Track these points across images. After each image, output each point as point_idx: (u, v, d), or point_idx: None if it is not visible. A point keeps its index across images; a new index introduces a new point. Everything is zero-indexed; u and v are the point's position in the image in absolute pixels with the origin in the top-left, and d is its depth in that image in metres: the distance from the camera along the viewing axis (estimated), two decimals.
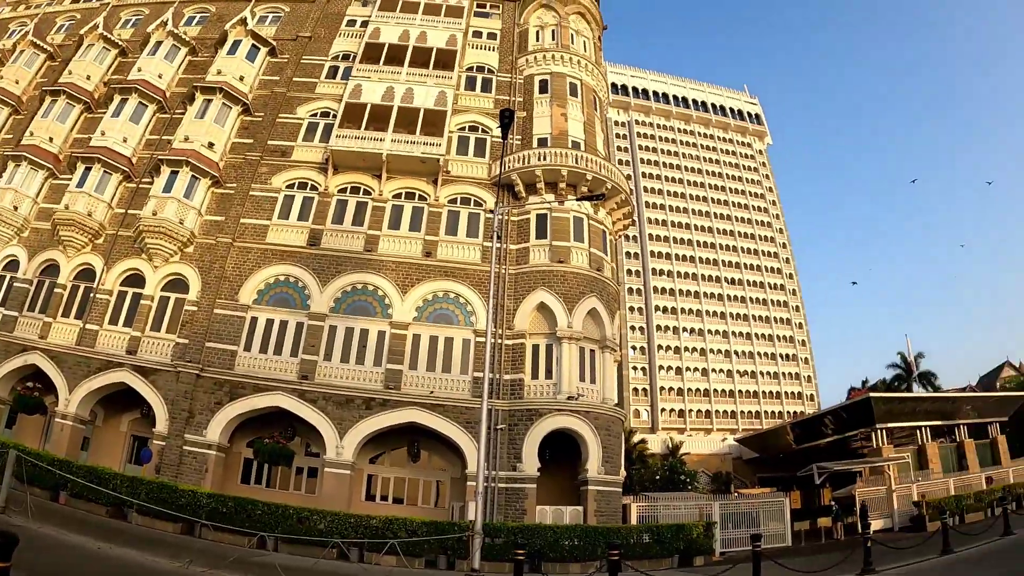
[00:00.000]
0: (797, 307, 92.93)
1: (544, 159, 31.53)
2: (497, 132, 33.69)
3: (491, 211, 31.04)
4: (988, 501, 30.76)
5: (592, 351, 30.16)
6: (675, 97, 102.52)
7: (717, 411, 78.91)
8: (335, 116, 33.37)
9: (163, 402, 27.19)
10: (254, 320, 29.17)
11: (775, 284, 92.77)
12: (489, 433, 26.98)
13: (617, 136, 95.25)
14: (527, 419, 27.72)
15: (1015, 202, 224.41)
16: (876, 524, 35.80)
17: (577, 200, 28.94)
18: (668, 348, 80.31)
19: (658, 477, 40.39)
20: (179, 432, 26.52)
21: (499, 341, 28.99)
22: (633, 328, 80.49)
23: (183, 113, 33.41)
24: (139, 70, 34.68)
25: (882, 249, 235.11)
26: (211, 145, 32.32)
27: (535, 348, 29.48)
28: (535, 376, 28.93)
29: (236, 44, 35.71)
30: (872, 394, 47.68)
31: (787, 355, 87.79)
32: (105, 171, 31.59)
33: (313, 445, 27.90)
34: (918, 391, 59.76)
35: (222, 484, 26.47)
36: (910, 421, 45.80)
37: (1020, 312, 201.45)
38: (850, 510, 36.48)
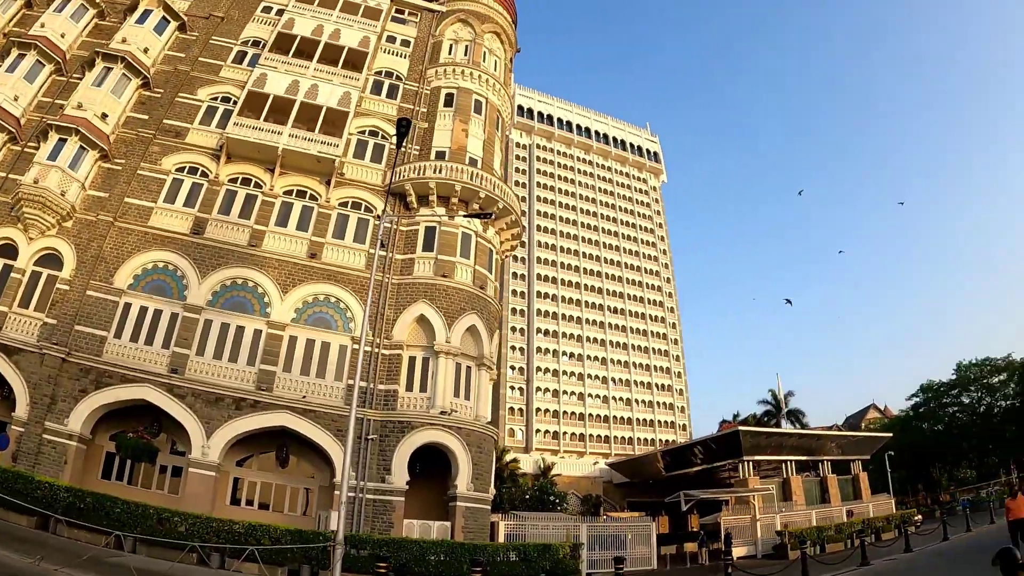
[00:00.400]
0: (676, 340, 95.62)
1: (440, 172, 31.52)
2: None
3: (379, 218, 30.97)
4: (848, 533, 32.45)
5: (469, 368, 30.20)
6: (579, 126, 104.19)
7: (591, 435, 79.99)
8: (236, 103, 32.34)
9: (25, 385, 25.08)
10: (127, 306, 27.55)
11: (656, 316, 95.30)
12: (359, 443, 26.72)
13: (517, 158, 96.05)
14: (399, 431, 27.46)
15: (893, 255, 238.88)
16: (740, 551, 37.13)
17: (466, 216, 28.86)
18: (547, 370, 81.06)
19: (527, 496, 40.55)
20: (40, 419, 24.61)
21: (376, 351, 28.70)
22: (514, 348, 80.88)
23: (80, 78, 31.30)
24: (42, 26, 32.22)
25: (764, 291, 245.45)
26: (104, 116, 30.38)
27: (412, 360, 29.31)
28: (410, 388, 28.74)
29: (146, 14, 33.98)
30: (741, 427, 49.47)
31: (663, 385, 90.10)
32: None
33: (179, 443, 26.52)
34: (787, 427, 62.44)
35: (82, 478, 24.75)
36: (776, 455, 47.76)
37: (888, 361, 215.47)
38: (715, 537, 37.75)
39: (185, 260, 28.58)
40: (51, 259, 28.07)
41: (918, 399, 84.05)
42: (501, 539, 28.23)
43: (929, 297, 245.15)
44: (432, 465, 28.31)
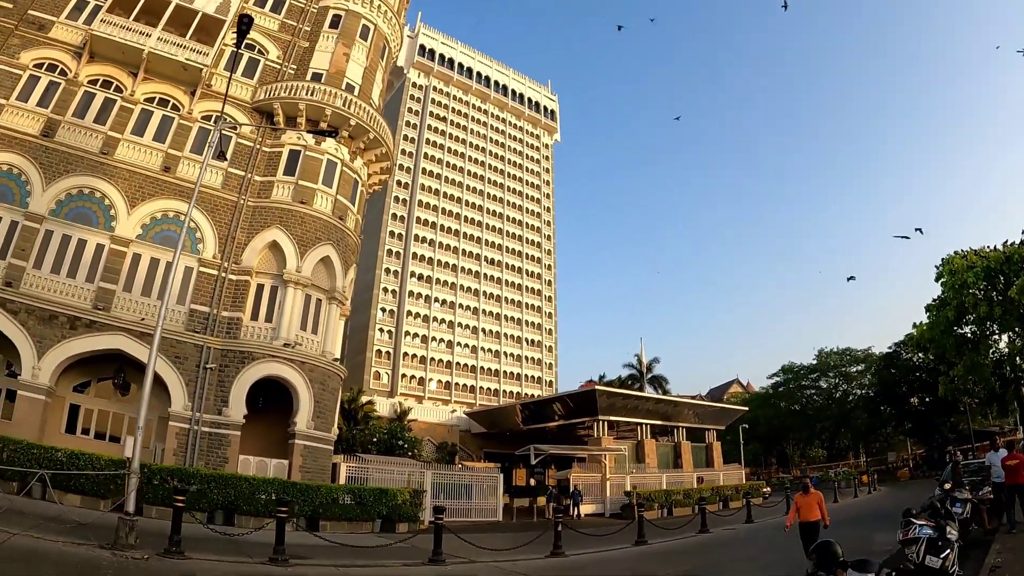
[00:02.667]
0: (550, 297, 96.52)
1: (311, 94, 30.00)
2: (274, 56, 31.83)
3: (245, 137, 29.37)
4: (696, 499, 33.13)
5: (319, 300, 29.20)
6: (479, 74, 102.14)
7: (457, 383, 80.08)
8: None
9: None
10: None
11: (532, 272, 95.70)
12: (197, 372, 25.38)
13: (412, 98, 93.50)
14: (239, 361, 26.27)
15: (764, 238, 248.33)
16: (588, 508, 37.87)
17: (311, 132, 27.64)
18: (418, 315, 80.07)
19: (375, 440, 39.78)
20: None
21: (224, 275, 27.22)
22: (386, 290, 79.46)
23: None
24: None
25: (640, 259, 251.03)
26: None
27: (260, 288, 28.06)
28: (255, 317, 27.54)
29: None
30: (597, 387, 50.18)
31: (532, 340, 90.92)
32: None
33: (16, 366, 24.02)
34: (649, 392, 63.92)
35: None
36: (633, 417, 48.80)
37: (755, 342, 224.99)
38: (567, 492, 38.28)
39: (31, 164, 25.75)
40: None
41: (779, 379, 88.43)
42: (342, 481, 27.56)
43: (808, 284, 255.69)
44: (277, 401, 27.31)
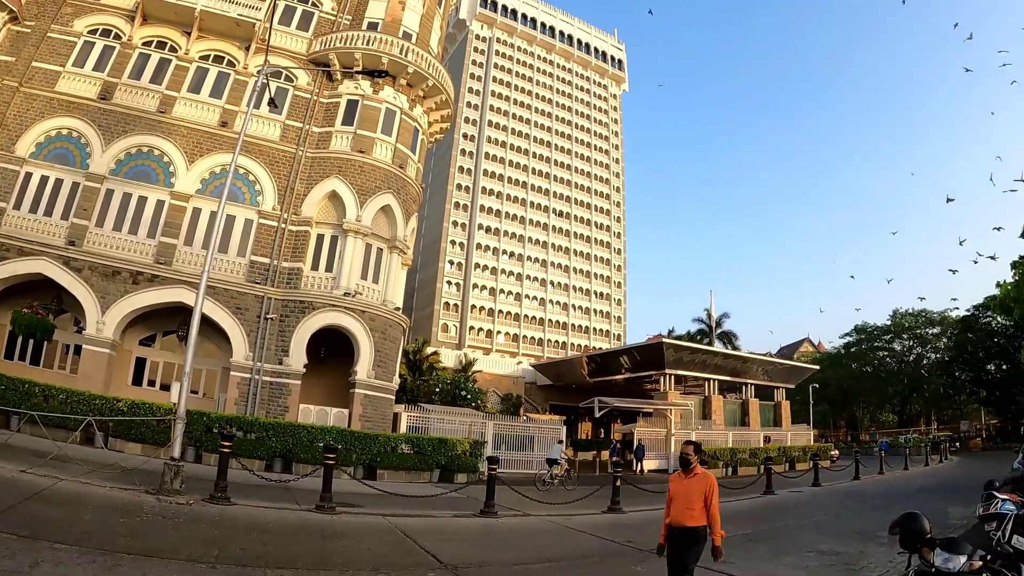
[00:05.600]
0: (619, 250, 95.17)
1: (368, 43, 29.56)
2: (328, 7, 31.51)
3: (302, 89, 29.31)
4: (762, 458, 32.20)
5: (380, 249, 29.15)
6: (543, 24, 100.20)
7: (525, 336, 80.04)
8: None
9: None
10: (28, 176, 25.74)
11: (601, 224, 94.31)
12: (259, 322, 25.70)
13: (475, 51, 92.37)
14: (300, 311, 26.54)
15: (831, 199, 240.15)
16: (652, 464, 37.53)
17: (358, 73, 27.34)
18: (485, 268, 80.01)
19: (439, 390, 39.96)
20: None
21: (283, 227, 27.47)
22: (454, 243, 79.56)
23: None
24: None
25: (713, 211, 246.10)
26: None
27: (320, 238, 28.17)
28: (315, 267, 27.69)
29: None
30: (665, 339, 49.46)
31: (601, 293, 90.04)
32: None
33: (82, 321, 25.09)
34: (719, 347, 62.76)
35: None
36: (700, 372, 48.09)
37: (830, 303, 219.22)
38: (631, 446, 37.99)
39: (90, 127, 26.54)
40: None
41: (851, 339, 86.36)
42: (403, 430, 27.81)
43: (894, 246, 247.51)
44: (339, 351, 27.59)
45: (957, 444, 60.78)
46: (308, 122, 29.15)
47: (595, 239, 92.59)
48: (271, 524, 11.99)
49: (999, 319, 58.77)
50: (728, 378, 50.34)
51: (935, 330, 79.10)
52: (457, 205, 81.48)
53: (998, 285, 34.44)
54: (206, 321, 25.63)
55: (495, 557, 11.37)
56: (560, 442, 30.46)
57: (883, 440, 64.00)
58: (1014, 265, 32.59)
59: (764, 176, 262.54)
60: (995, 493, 8.68)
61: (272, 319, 26.11)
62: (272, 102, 23.68)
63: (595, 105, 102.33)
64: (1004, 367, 64.23)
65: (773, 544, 13.43)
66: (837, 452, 51.03)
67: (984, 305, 60.45)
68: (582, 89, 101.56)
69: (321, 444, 20.70)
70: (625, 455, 37.88)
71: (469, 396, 40.38)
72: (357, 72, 27.46)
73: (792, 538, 14.29)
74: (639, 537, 13.34)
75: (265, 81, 18.86)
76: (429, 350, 50.85)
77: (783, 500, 22.93)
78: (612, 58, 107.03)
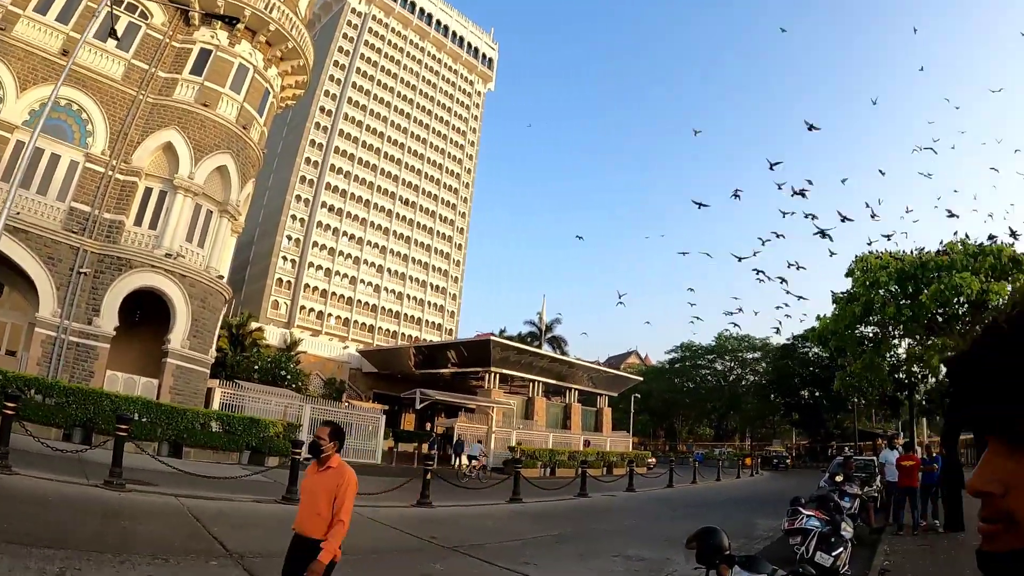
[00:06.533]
0: (460, 245, 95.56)
1: None
2: None
3: (155, 29, 27.19)
4: (580, 461, 32.91)
5: (210, 212, 27.77)
6: (421, 9, 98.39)
7: (356, 321, 78.68)
8: None
9: None
10: None
11: (446, 218, 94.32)
12: (71, 276, 23.61)
13: (348, 24, 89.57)
14: (116, 268, 24.70)
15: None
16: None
17: (216, 18, 25.90)
18: (324, 247, 77.87)
19: (258, 367, 38.28)
20: None
21: (110, 173, 25.30)
22: (294, 218, 76.78)
23: None
24: None
25: (557, 221, 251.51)
26: None
27: (147, 192, 26.42)
28: (139, 223, 25.94)
29: None
30: (493, 337, 49.77)
31: (437, 286, 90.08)
32: None
33: None
34: (547, 350, 63.92)
35: None
36: (527, 373, 48.82)
37: (662, 321, 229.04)
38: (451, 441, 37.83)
39: None
40: None
41: (676, 355, 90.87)
42: (215, 407, 26.36)
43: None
44: (155, 317, 25.94)
45: (788, 461, 65.53)
46: (156, 65, 27.18)
47: (437, 231, 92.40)
48: (50, 498, 11.06)
49: (816, 350, 63.45)
50: (554, 381, 51.36)
51: (756, 354, 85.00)
52: (303, 179, 78.67)
53: (818, 318, 37.19)
54: (14, 268, 23.31)
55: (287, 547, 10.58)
56: (480, 442, 33.36)
57: (699, 452, 68.22)
58: (834, 300, 35.23)
59: (619, 189, 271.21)
60: (800, 509, 9.11)
61: (86, 274, 24.05)
62: (114, 32, 21.75)
63: (459, 99, 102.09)
64: (817, 394, 70.49)
65: (581, 547, 13.47)
66: (654, 460, 53.27)
67: (804, 336, 64.75)
68: (448, 82, 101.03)
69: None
70: (446, 449, 37.79)
71: (290, 377, 38.89)
72: (215, 17, 25.73)
73: (601, 542, 14.43)
74: (444, 533, 13.21)
75: (109, 8, 17.21)
76: (254, 325, 48.68)
77: (596, 503, 23.40)
78: (483, 55, 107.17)
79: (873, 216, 33.69)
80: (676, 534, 11.92)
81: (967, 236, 32.23)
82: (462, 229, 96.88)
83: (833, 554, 8.72)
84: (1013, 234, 30.74)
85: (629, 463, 33.42)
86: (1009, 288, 28.67)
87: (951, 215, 34.90)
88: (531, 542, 13.70)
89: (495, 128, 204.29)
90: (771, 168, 33.57)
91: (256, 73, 29.15)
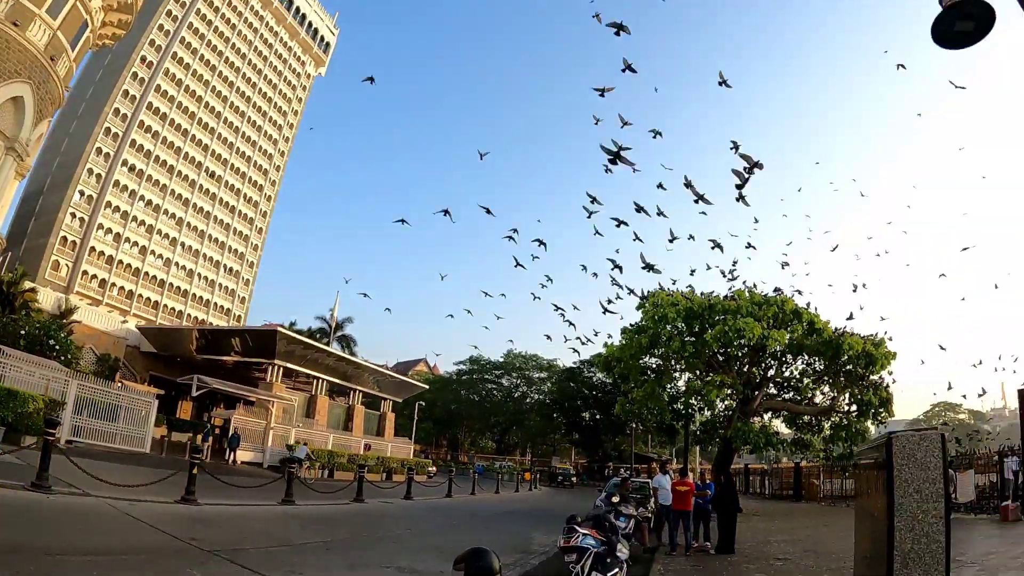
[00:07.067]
0: (261, 229, 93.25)
1: None
2: None
3: None
4: (359, 465, 32.66)
5: None
6: None
7: (141, 295, 74.33)
8: None
9: None
10: None
11: (250, 198, 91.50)
12: None
13: None
14: None
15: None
16: (247, 455, 36.40)
17: None
18: (118, 209, 72.75)
19: (24, 332, 34.84)
20: None
21: None
22: (91, 172, 70.97)
23: None
24: None
25: (376, 218, 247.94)
26: None
27: None
28: None
29: None
30: (280, 328, 48.79)
31: (232, 269, 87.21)
32: None
33: None
34: (336, 348, 63.15)
35: None
36: (312, 369, 48.76)
37: (454, 331, 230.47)
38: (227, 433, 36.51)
39: None
40: None
41: (464, 367, 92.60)
42: None
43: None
44: None
45: (573, 479, 67.89)
46: None
47: (240, 211, 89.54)
48: None
49: (600, 375, 66.55)
50: (339, 381, 51.47)
51: (543, 374, 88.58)
52: (108, 131, 72.98)
53: (605, 346, 38.84)
54: None
55: (22, 541, 9.50)
56: (305, 444, 35.10)
57: (480, 464, 69.92)
58: (623, 331, 36.87)
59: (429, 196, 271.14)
60: (576, 528, 9.36)
61: None
62: None
63: (286, 78, 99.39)
64: (598, 416, 74.64)
65: (352, 556, 13.09)
66: (435, 468, 54.20)
67: (590, 361, 67.80)
68: (280, 57, 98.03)
69: None
70: (222, 442, 36.43)
71: (60, 348, 35.77)
72: None
73: (372, 551, 14.17)
74: (206, 534, 12.34)
75: None
76: (28, 285, 44.45)
77: (372, 510, 23.00)
78: (321, 38, 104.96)
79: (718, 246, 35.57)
80: (451, 546, 11.90)
81: (755, 286, 35.12)
82: (265, 213, 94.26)
83: (609, 574, 8.96)
84: (798, 291, 33.69)
85: (409, 470, 33.82)
86: (788, 336, 31.43)
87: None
88: (299, 548, 13.19)
89: (320, 117, 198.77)
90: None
91: (78, 4, 26.81)
